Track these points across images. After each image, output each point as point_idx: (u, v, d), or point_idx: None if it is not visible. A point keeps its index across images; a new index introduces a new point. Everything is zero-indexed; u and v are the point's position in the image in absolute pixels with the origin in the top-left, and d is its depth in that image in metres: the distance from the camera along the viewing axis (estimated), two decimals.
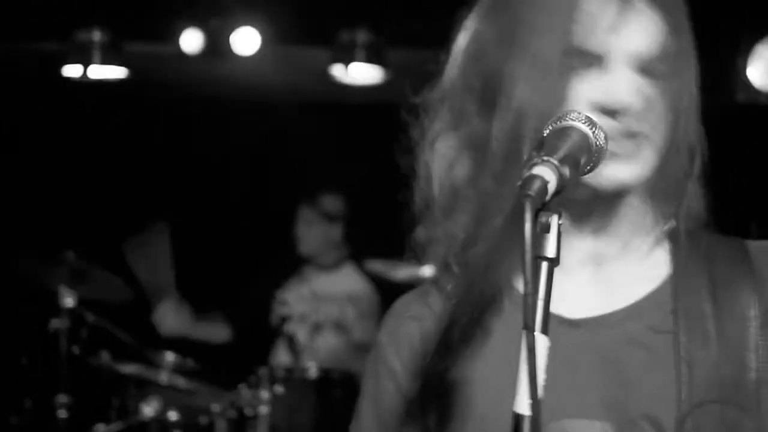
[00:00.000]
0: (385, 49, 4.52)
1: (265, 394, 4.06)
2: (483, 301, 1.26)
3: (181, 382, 4.24)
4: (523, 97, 1.17)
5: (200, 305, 4.57)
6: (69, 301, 4.32)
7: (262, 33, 4.49)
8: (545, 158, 0.98)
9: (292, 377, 4.13)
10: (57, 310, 4.31)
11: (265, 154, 5.38)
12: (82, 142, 5.29)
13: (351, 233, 4.52)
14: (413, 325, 1.31)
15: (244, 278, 4.65)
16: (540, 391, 0.94)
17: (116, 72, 4.66)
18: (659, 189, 1.24)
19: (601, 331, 1.22)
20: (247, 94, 5.11)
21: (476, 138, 1.21)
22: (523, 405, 0.94)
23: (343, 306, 4.39)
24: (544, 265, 0.97)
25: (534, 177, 0.95)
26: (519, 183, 0.95)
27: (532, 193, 0.93)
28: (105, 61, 4.58)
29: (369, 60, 4.47)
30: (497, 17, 1.21)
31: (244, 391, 4.11)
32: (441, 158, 1.25)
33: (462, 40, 1.26)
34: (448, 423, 1.25)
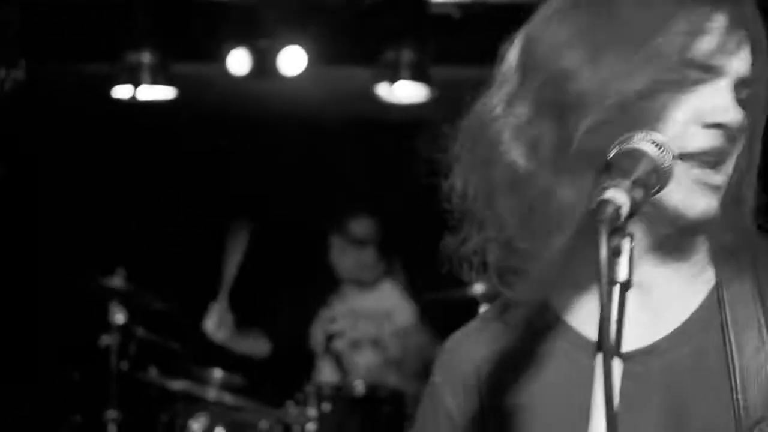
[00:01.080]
0: (429, 67, 4.55)
1: (312, 412, 4.08)
2: (535, 333, 1.25)
3: (228, 398, 4.27)
4: (616, 100, 1.12)
5: (242, 320, 4.61)
6: (119, 317, 4.39)
7: (308, 53, 4.55)
8: (617, 181, 0.98)
9: (339, 395, 4.16)
10: (107, 326, 4.39)
11: (310, 172, 5.43)
12: (133, 162, 5.37)
13: (386, 251, 4.55)
14: (467, 362, 1.30)
15: (286, 295, 4.69)
16: (615, 419, 0.94)
17: (165, 93, 4.74)
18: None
19: (651, 361, 1.19)
20: (294, 113, 5.16)
21: (533, 140, 1.16)
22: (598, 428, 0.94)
23: (381, 323, 4.42)
24: (616, 288, 0.98)
25: (607, 202, 0.95)
26: (592, 207, 0.96)
27: (605, 218, 0.93)
28: (154, 82, 4.65)
29: (413, 78, 4.50)
30: (577, 16, 1.17)
31: (291, 409, 4.13)
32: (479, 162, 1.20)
33: (521, 44, 1.21)
34: None
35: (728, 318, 1.18)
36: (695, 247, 1.21)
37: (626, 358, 1.14)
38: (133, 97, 4.69)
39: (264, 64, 4.58)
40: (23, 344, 5.37)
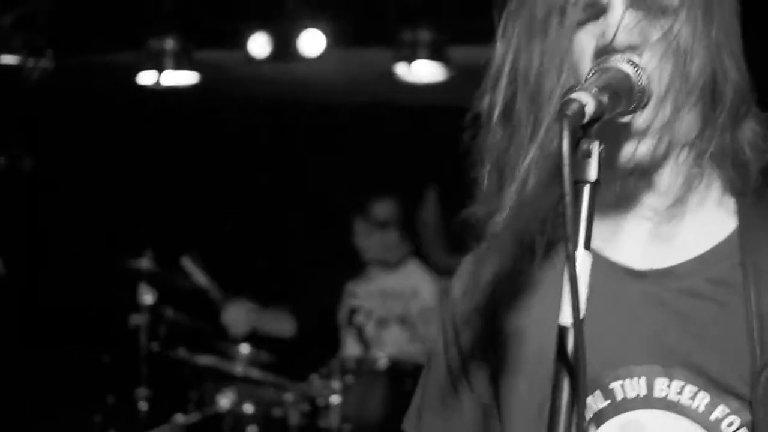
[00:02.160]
0: (447, 47, 4.60)
1: (336, 384, 4.16)
2: (531, 254, 1.30)
3: (255, 373, 4.36)
4: (535, 60, 1.22)
5: (269, 299, 4.70)
6: (148, 298, 4.50)
7: (327, 35, 4.62)
8: (584, 86, 1.04)
9: (363, 368, 4.23)
10: (136, 306, 4.50)
11: (332, 153, 5.50)
12: (157, 146, 5.49)
13: (409, 231, 4.63)
14: (478, 279, 1.36)
15: (312, 272, 4.77)
16: (582, 303, 0.99)
17: (188, 77, 4.83)
18: (703, 142, 1.22)
19: (667, 282, 1.22)
20: (314, 95, 5.24)
21: (509, 113, 1.25)
22: (566, 317, 0.99)
23: (407, 301, 4.49)
24: (587, 188, 1.02)
25: (571, 100, 0.99)
26: (557, 108, 1.01)
27: (569, 113, 0.97)
28: (177, 67, 4.75)
29: (431, 57, 4.55)
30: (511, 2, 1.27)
31: (315, 382, 4.21)
32: (490, 140, 1.29)
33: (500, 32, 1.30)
34: (506, 368, 1.30)
35: (749, 261, 1.20)
36: (664, 174, 1.23)
37: (642, 275, 1.23)
38: (157, 83, 4.80)
39: (284, 47, 4.66)
40: (53, 328, 5.50)
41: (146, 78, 4.81)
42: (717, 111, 1.21)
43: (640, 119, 1.17)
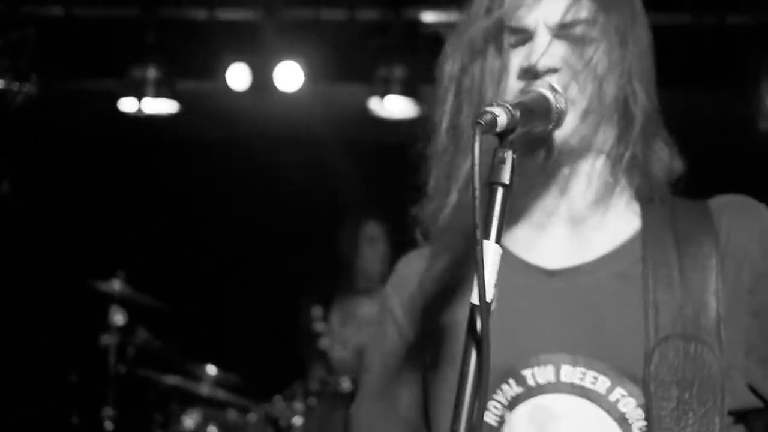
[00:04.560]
0: (420, 85, 4.76)
1: (299, 406, 4.25)
2: (467, 255, 1.43)
3: (220, 394, 4.45)
4: (476, 78, 1.39)
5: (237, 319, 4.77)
6: (119, 318, 4.58)
7: (304, 69, 4.77)
8: (498, 102, 1.18)
9: (326, 390, 4.32)
10: (107, 327, 4.57)
11: (307, 185, 5.63)
12: (135, 172, 5.60)
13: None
14: (412, 277, 1.51)
15: (289, 297, 4.87)
16: (491, 286, 1.12)
17: (168, 106, 4.96)
18: (616, 155, 1.40)
19: (575, 279, 1.37)
20: (291, 129, 5.38)
21: (455, 123, 1.42)
22: (474, 297, 1.12)
23: None
24: (500, 189, 1.16)
25: (485, 112, 1.12)
26: (473, 117, 1.15)
27: (482, 121, 1.10)
28: (158, 96, 4.89)
29: (404, 93, 4.71)
30: (462, 30, 1.44)
31: (279, 404, 4.31)
32: (439, 147, 1.45)
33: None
34: (441, 362, 1.42)
35: (649, 256, 1.36)
36: (580, 178, 1.40)
37: (554, 274, 1.40)
38: (138, 110, 4.93)
39: (262, 79, 4.81)
40: (23, 348, 5.55)
41: (127, 105, 4.94)
42: (629, 129, 1.38)
43: (562, 132, 1.34)
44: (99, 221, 5.57)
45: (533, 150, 1.37)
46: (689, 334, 1.30)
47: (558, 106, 1.29)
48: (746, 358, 1.33)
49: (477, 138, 1.10)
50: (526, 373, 1.35)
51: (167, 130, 5.26)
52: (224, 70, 4.85)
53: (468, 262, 1.44)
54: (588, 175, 1.40)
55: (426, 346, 1.45)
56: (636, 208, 1.43)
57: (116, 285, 4.61)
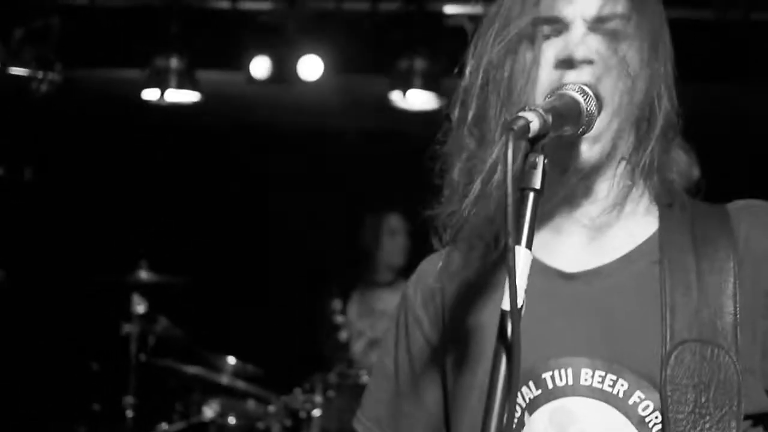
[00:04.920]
0: (442, 78, 4.75)
1: (318, 399, 4.27)
2: (492, 258, 1.44)
3: (240, 384, 4.47)
4: (506, 74, 1.38)
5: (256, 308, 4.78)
6: (140, 307, 4.61)
7: (325, 61, 4.78)
8: (531, 107, 1.18)
9: (345, 383, 4.34)
10: (128, 316, 4.61)
11: (328, 176, 5.64)
12: (158, 161, 5.63)
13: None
14: (435, 280, 1.50)
15: (310, 289, 4.89)
16: (521, 292, 1.13)
17: (190, 96, 4.99)
18: (636, 160, 1.39)
19: (594, 281, 1.37)
20: (312, 119, 5.40)
21: (480, 119, 1.40)
22: (505, 303, 1.13)
23: None
24: (531, 195, 1.16)
25: (518, 117, 1.13)
26: (505, 123, 1.15)
27: (515, 127, 1.11)
28: (180, 86, 4.91)
29: (425, 87, 4.71)
30: (493, 22, 1.42)
31: (298, 395, 4.33)
32: (462, 143, 1.43)
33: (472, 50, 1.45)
34: (464, 364, 1.42)
35: (666, 258, 1.36)
36: (605, 185, 1.39)
37: (572, 277, 1.39)
38: (161, 100, 4.96)
39: (284, 70, 4.83)
40: (46, 337, 5.60)
41: (150, 94, 4.97)
42: (650, 133, 1.37)
43: (593, 131, 1.32)
44: (121, 210, 5.61)
45: (560, 153, 1.35)
46: (705, 337, 1.30)
47: (588, 109, 1.29)
48: (763, 361, 1.32)
49: (510, 144, 1.10)
50: (546, 376, 1.35)
51: (189, 119, 5.28)
52: (247, 61, 4.87)
53: (493, 265, 1.44)
54: (609, 179, 1.39)
55: (448, 348, 1.45)
56: (655, 211, 1.42)
57: (140, 274, 4.65)
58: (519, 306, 1.13)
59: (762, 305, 1.32)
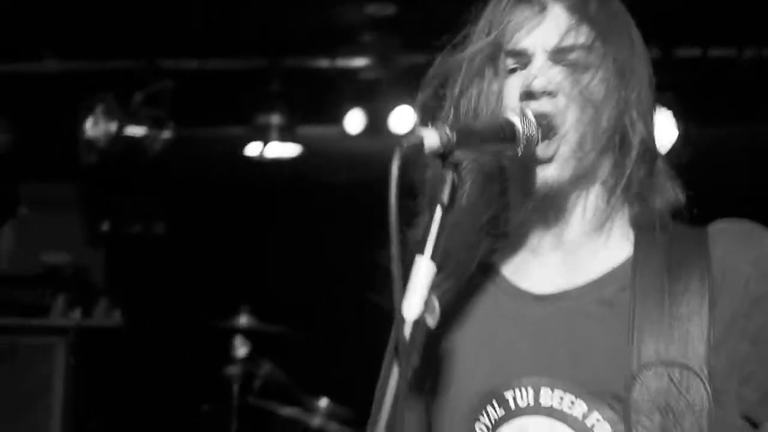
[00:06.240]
0: None
1: None
2: (466, 282, 1.48)
3: (333, 427, 4.57)
4: (473, 102, 1.42)
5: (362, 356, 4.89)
6: (242, 350, 4.82)
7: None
8: (436, 125, 1.22)
9: None
10: (231, 359, 4.82)
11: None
12: (259, 211, 5.91)
13: None
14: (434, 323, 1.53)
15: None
16: (419, 302, 1.17)
17: (291, 150, 5.24)
18: (612, 184, 1.39)
19: (561, 304, 1.38)
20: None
21: None
22: (407, 310, 1.18)
23: None
24: (438, 209, 1.22)
25: (411, 134, 1.17)
26: (398, 138, 1.19)
27: (404, 143, 1.15)
28: (281, 140, 5.17)
29: None
30: (454, 50, 1.47)
31: None
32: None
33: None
34: (439, 386, 1.46)
35: (638, 282, 1.35)
36: (576, 208, 1.41)
37: (542, 299, 1.42)
38: (262, 154, 5.23)
39: (378, 123, 5.00)
40: (161, 380, 5.90)
41: (252, 149, 5.25)
42: (625, 158, 1.39)
43: (548, 150, 1.36)
44: (228, 259, 5.89)
45: (523, 177, 1.39)
46: (674, 360, 1.29)
47: (527, 132, 1.32)
48: (741, 385, 1.31)
49: (396, 158, 1.14)
50: (508, 395, 1.37)
51: (290, 172, 5.52)
52: (342, 115, 5.08)
53: (468, 289, 1.48)
54: (584, 202, 1.41)
55: (426, 373, 1.46)
56: (631, 235, 1.42)
57: (241, 319, 4.87)
58: (419, 313, 1.19)
59: (740, 327, 1.31)
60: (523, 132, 1.33)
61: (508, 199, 1.46)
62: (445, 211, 1.24)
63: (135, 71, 5.24)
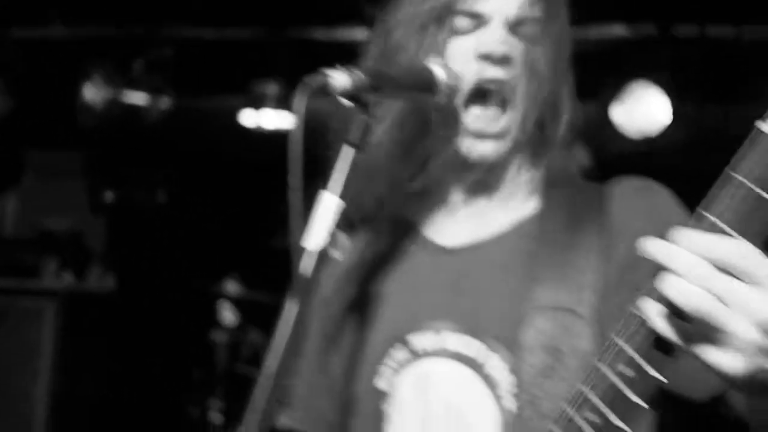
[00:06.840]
0: None
1: None
2: (386, 239, 1.54)
3: None
4: (411, 55, 1.43)
5: None
6: (228, 316, 4.85)
7: None
8: (348, 67, 1.25)
9: None
10: (218, 325, 4.86)
11: None
12: (255, 182, 5.94)
13: None
14: (342, 258, 1.58)
15: None
16: (323, 235, 1.20)
17: (287, 120, 5.25)
18: (537, 153, 1.48)
19: (470, 255, 1.45)
20: None
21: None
22: (309, 241, 1.21)
23: None
24: (345, 147, 1.26)
25: (320, 74, 1.21)
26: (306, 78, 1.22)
27: (310, 82, 1.20)
28: (280, 109, 5.18)
29: None
30: (400, 5, 1.49)
31: None
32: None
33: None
34: (363, 330, 1.49)
35: (541, 236, 1.42)
36: (501, 181, 1.48)
37: (452, 252, 1.48)
38: (260, 124, 5.25)
39: None
40: (150, 344, 5.96)
41: (248, 118, 5.28)
42: (554, 131, 1.47)
43: (496, 125, 1.41)
44: (223, 227, 5.93)
45: (463, 147, 1.43)
46: (564, 306, 1.34)
47: (449, 81, 1.35)
48: None
49: (301, 96, 1.18)
50: (412, 339, 1.42)
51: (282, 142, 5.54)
52: None
53: (384, 247, 1.54)
54: (508, 168, 1.48)
55: (350, 315, 1.51)
56: (540, 192, 1.49)
57: (229, 286, 4.91)
58: (321, 245, 1.21)
59: (628, 278, 1.34)
60: (445, 81, 1.35)
61: (429, 156, 1.49)
62: (353, 148, 1.26)
63: (136, 38, 5.26)
